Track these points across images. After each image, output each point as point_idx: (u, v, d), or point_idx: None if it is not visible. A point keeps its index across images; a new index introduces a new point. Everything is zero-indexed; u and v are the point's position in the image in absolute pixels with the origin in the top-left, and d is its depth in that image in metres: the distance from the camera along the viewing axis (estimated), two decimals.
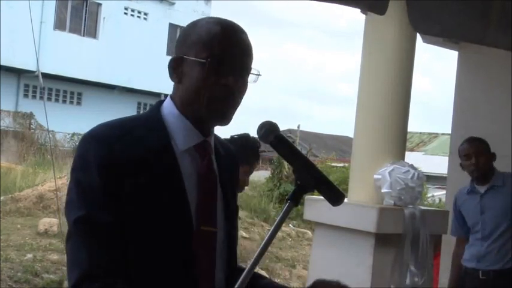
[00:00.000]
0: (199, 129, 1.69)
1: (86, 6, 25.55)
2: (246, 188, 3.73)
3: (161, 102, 1.74)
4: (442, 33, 4.05)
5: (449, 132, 6.50)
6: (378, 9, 3.35)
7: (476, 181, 4.44)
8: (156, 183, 1.60)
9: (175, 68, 1.68)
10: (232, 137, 3.74)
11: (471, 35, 3.60)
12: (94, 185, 1.56)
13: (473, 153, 4.36)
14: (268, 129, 1.63)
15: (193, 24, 1.71)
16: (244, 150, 3.51)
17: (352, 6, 3.33)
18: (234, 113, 1.69)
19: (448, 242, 4.96)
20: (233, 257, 1.79)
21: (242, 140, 3.54)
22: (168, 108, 1.71)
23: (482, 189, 4.42)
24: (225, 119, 1.67)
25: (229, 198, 1.78)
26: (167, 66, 1.69)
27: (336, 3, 3.34)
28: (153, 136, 1.65)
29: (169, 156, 1.64)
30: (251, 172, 3.62)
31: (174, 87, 1.72)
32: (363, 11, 3.63)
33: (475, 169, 4.36)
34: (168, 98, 1.74)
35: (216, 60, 1.63)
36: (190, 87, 1.66)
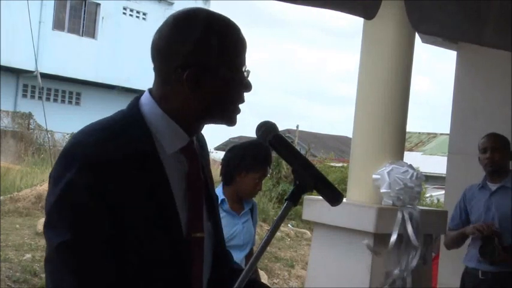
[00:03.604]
0: (187, 130, 1.62)
1: (85, 6, 25.54)
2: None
3: (138, 99, 1.63)
4: (441, 33, 4.05)
5: (448, 132, 6.51)
6: (367, 13, 3.33)
7: (489, 177, 4.44)
8: (143, 192, 1.51)
9: (191, 77, 1.55)
10: (243, 143, 3.75)
11: (469, 35, 3.60)
12: (78, 202, 1.46)
13: (490, 148, 4.37)
14: (267, 129, 1.63)
15: (206, 28, 1.57)
16: (256, 157, 3.52)
17: (341, 11, 3.30)
18: None
19: None
20: (219, 259, 1.73)
21: (254, 146, 3.55)
22: (149, 106, 1.60)
23: (493, 187, 4.41)
24: (236, 123, 1.67)
25: (212, 198, 1.73)
26: (186, 77, 1.54)
27: (326, 8, 3.33)
28: (136, 140, 1.54)
29: (156, 163, 1.55)
30: (264, 177, 3.64)
31: (167, 89, 1.59)
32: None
33: (489, 163, 4.37)
34: (147, 95, 1.62)
35: (241, 68, 1.63)
36: (216, 98, 1.58)
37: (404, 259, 3.80)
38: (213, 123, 1.66)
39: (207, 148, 1.80)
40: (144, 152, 1.54)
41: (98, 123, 1.57)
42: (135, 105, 1.61)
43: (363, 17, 3.47)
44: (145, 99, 1.62)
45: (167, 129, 1.59)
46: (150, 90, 1.63)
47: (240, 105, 1.65)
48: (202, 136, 1.78)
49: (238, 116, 1.65)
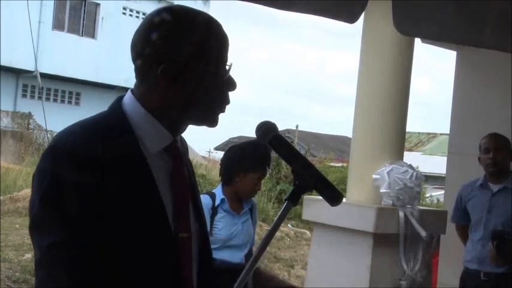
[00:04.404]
0: (170, 129, 1.58)
1: (85, 6, 25.53)
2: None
3: (120, 98, 1.60)
4: (440, 37, 4.02)
5: (448, 132, 6.51)
6: (348, 18, 3.34)
7: (491, 177, 4.40)
8: (131, 193, 1.48)
9: (169, 72, 1.53)
10: (242, 143, 3.76)
11: (468, 37, 3.58)
12: (64, 200, 1.42)
13: (493, 148, 4.33)
14: (267, 129, 1.63)
15: (184, 22, 1.55)
16: (255, 157, 3.53)
17: (322, 16, 3.31)
18: None
19: (448, 243, 4.96)
20: (208, 260, 1.70)
21: (253, 146, 3.55)
22: (132, 106, 1.57)
23: (494, 187, 4.38)
24: (217, 123, 1.63)
25: (197, 198, 1.71)
26: (161, 71, 1.52)
27: (308, 13, 3.34)
28: (120, 140, 1.51)
29: (140, 162, 1.52)
30: (263, 177, 3.64)
31: (148, 87, 1.57)
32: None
33: (491, 163, 4.33)
34: (129, 95, 1.59)
35: (224, 66, 1.59)
36: (197, 96, 1.55)
37: (409, 258, 3.81)
38: (195, 123, 1.62)
39: (187, 150, 1.77)
40: (129, 150, 1.51)
41: (82, 122, 1.55)
42: (117, 105, 1.58)
43: (344, 21, 3.47)
44: (128, 99, 1.59)
45: (150, 128, 1.56)
46: (132, 90, 1.60)
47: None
48: (183, 138, 1.75)
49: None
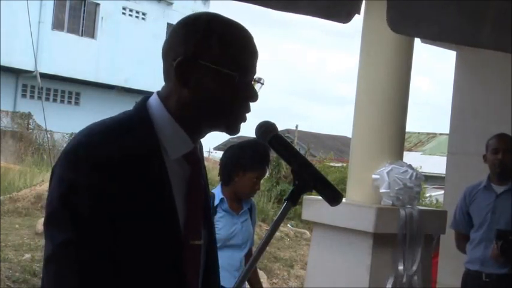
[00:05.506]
0: (190, 135, 1.57)
1: (84, 6, 25.54)
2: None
3: (146, 99, 1.59)
4: (439, 37, 4.01)
5: (448, 132, 6.51)
6: (342, 18, 3.34)
7: (495, 178, 4.38)
8: (145, 198, 1.48)
9: (183, 70, 1.52)
10: (241, 143, 3.76)
11: (467, 37, 3.57)
12: (81, 202, 1.43)
13: (502, 149, 4.31)
14: (267, 129, 1.63)
15: (206, 23, 1.56)
16: (254, 157, 3.53)
17: (315, 16, 3.31)
18: None
19: (448, 243, 4.96)
20: (214, 267, 1.70)
21: (251, 146, 3.55)
22: (157, 108, 1.56)
23: (499, 189, 4.36)
24: (238, 131, 1.61)
25: (209, 205, 1.71)
26: (175, 67, 1.52)
27: (300, 13, 3.34)
28: (142, 143, 1.51)
29: (159, 167, 1.52)
30: (262, 177, 3.64)
31: (169, 88, 1.57)
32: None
33: (499, 164, 4.31)
34: (155, 97, 1.58)
35: (245, 74, 1.55)
36: (211, 97, 1.53)
37: (409, 258, 3.81)
38: (211, 128, 1.60)
39: (202, 152, 1.76)
40: (149, 155, 1.51)
41: (103, 123, 1.54)
42: (143, 107, 1.57)
43: (337, 21, 3.47)
44: (153, 100, 1.58)
45: (173, 133, 1.55)
46: (158, 92, 1.60)
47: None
48: (200, 142, 1.73)
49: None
